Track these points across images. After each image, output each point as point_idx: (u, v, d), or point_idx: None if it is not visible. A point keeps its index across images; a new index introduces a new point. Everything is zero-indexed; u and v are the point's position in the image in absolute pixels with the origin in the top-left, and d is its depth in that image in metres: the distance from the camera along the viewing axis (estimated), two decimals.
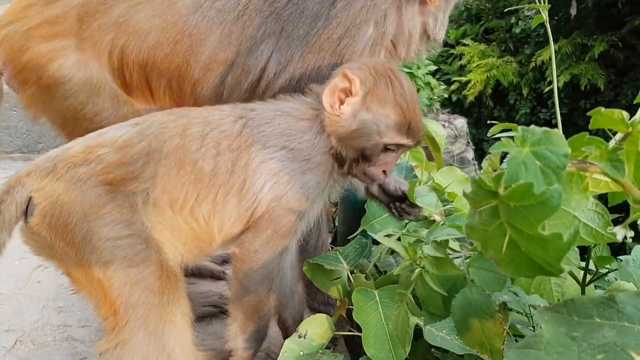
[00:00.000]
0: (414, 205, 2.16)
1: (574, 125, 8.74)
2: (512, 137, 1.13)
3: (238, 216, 1.73)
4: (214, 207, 1.70)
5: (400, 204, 2.18)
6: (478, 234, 1.15)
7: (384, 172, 1.79)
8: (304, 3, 1.97)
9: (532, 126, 1.12)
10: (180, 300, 1.69)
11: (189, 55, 1.95)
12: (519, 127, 1.13)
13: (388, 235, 1.73)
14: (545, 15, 1.74)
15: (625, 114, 1.13)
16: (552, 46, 1.80)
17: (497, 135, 1.45)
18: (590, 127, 1.21)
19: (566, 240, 1.03)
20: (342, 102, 1.73)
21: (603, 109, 1.15)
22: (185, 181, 1.68)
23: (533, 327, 1.73)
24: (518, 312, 1.79)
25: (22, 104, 2.02)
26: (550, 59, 8.18)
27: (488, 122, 1.67)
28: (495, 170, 1.15)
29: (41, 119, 2.03)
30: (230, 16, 1.95)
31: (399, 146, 1.77)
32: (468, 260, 1.42)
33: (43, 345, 2.15)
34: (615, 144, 1.15)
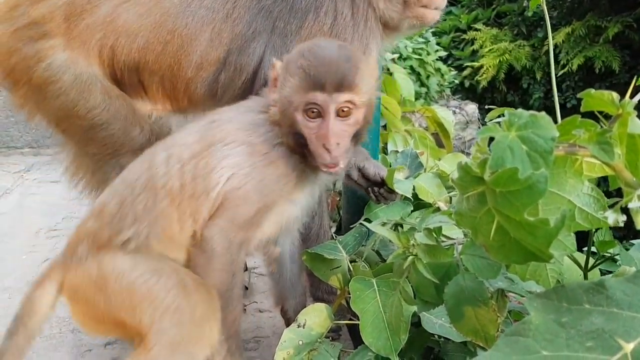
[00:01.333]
0: (391, 191, 2.15)
1: None
2: (499, 122, 1.11)
3: (209, 214, 1.70)
4: (194, 218, 1.68)
5: (378, 189, 2.18)
6: (467, 221, 1.14)
7: (325, 147, 1.61)
8: None
9: (519, 110, 1.10)
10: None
11: (180, 55, 1.95)
12: (506, 111, 1.11)
13: (384, 224, 1.71)
14: None
15: (615, 95, 1.10)
16: (549, 30, 1.76)
17: (495, 120, 1.43)
18: (581, 109, 1.18)
19: (554, 226, 1.01)
20: None
21: (593, 90, 1.12)
22: (163, 207, 1.67)
23: None
24: (521, 296, 1.76)
25: (14, 104, 2.02)
26: (562, 42, 8.07)
27: (486, 106, 1.64)
28: (483, 152, 1.14)
29: (35, 118, 2.03)
30: (220, 15, 1.94)
31: (315, 106, 1.60)
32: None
33: (49, 337, 2.18)
34: (606, 126, 1.12)
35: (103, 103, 1.93)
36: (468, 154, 7.28)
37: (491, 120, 1.45)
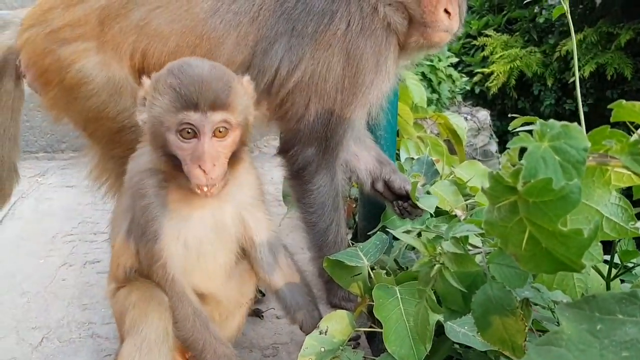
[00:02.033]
0: (415, 206, 2.15)
1: (600, 116, 8.58)
2: (530, 131, 1.11)
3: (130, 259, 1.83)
4: (123, 265, 1.83)
5: (402, 202, 2.18)
6: (497, 230, 1.14)
7: (201, 169, 1.52)
8: (311, 1, 1.99)
9: (551, 120, 1.10)
10: None
11: (208, 58, 1.96)
12: (538, 121, 1.11)
13: (407, 232, 1.71)
14: (566, 6, 1.71)
15: None
16: (574, 37, 1.76)
17: (518, 129, 1.43)
18: (611, 120, 1.18)
19: (587, 236, 1.01)
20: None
21: (624, 101, 1.12)
22: None
23: (558, 322, 1.71)
24: (542, 307, 1.76)
25: (44, 106, 2.04)
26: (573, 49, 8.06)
27: (509, 115, 1.64)
28: (514, 165, 1.14)
29: (62, 120, 2.05)
30: (246, 18, 1.97)
31: (189, 126, 1.52)
32: (488, 256, 1.40)
33: (69, 342, 2.19)
34: (637, 137, 1.12)
35: (133, 106, 1.94)
36: (480, 161, 7.27)
37: (515, 129, 1.46)
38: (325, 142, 2.07)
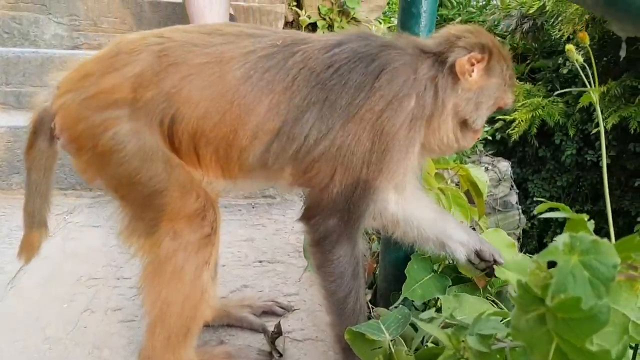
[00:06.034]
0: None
1: (622, 168, 8.58)
2: (560, 244, 1.13)
3: None
4: None
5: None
6: (524, 337, 1.16)
7: None
8: (348, 74, 2.03)
9: (581, 233, 1.12)
10: None
11: (237, 124, 2.01)
12: (567, 234, 1.13)
13: (431, 319, 1.72)
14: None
15: None
16: (599, 89, 1.79)
17: (544, 215, 1.46)
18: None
19: (615, 357, 1.03)
20: None
21: None
22: None
23: None
24: None
25: (77, 168, 2.10)
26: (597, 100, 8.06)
27: (535, 199, 1.67)
28: (542, 273, 1.16)
29: (95, 182, 2.11)
30: (279, 87, 2.01)
31: None
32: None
33: None
34: None
35: (164, 172, 1.99)
36: (499, 212, 7.34)
37: (540, 213, 1.48)
38: (347, 214, 2.09)
